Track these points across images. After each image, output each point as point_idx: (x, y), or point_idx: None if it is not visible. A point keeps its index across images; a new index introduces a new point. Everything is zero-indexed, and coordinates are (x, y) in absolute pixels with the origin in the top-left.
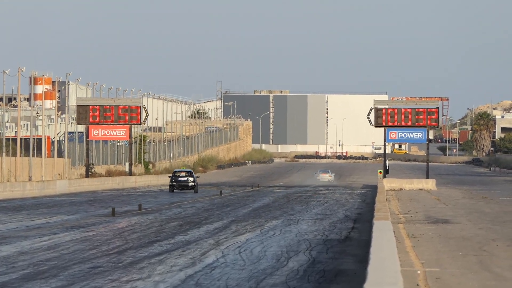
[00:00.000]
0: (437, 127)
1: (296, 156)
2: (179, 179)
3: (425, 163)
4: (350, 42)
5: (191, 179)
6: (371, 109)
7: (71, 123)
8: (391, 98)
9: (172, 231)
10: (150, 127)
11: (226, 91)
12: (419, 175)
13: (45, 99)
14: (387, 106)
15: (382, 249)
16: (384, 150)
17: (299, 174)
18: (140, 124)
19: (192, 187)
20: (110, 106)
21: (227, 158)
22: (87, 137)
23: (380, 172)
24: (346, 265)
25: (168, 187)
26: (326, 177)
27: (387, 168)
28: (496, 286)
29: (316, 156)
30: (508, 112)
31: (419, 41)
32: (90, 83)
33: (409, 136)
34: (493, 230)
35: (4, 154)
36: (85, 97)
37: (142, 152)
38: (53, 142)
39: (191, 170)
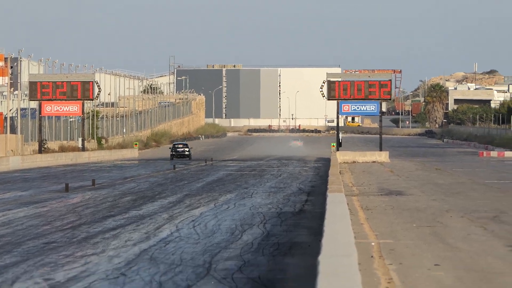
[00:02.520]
0: (390, 99)
1: (249, 130)
2: (178, 149)
3: (378, 136)
4: (302, 16)
5: (187, 149)
6: (324, 82)
7: (24, 99)
8: (344, 71)
9: (126, 206)
10: (103, 103)
11: (179, 66)
12: (372, 148)
13: None
14: (340, 79)
15: (336, 221)
16: (337, 123)
17: (253, 147)
18: (92, 100)
19: (188, 156)
20: (62, 82)
21: (180, 132)
22: (40, 113)
23: (333, 145)
24: (300, 237)
25: (170, 156)
26: (297, 144)
27: (340, 141)
28: (450, 257)
29: (270, 130)
30: (461, 83)
31: (371, 13)
32: (43, 59)
33: (362, 109)
34: (446, 201)
35: None
36: (37, 73)
37: (95, 128)
38: (5, 118)
39: (186, 143)
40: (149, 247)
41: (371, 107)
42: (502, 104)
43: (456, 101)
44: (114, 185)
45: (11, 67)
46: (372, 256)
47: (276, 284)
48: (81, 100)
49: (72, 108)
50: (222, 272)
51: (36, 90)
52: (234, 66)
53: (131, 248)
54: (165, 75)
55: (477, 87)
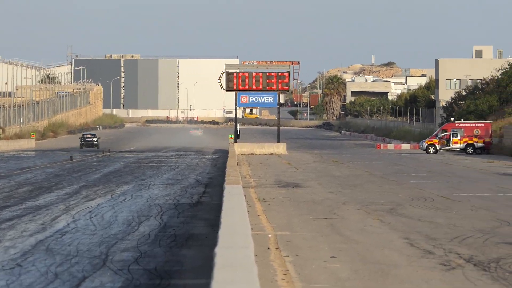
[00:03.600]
0: (288, 91)
1: (147, 121)
2: (87, 139)
3: (276, 127)
4: (201, 6)
5: (95, 139)
6: (222, 73)
7: None
8: (242, 63)
9: (22, 197)
10: (0, 92)
11: (77, 56)
12: (270, 140)
13: None
14: (238, 70)
15: (233, 213)
16: (235, 115)
17: (151, 138)
18: None
19: (96, 145)
20: None
21: (78, 123)
22: None
23: (231, 136)
24: (197, 229)
25: (79, 145)
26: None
27: (238, 132)
28: (346, 248)
29: (168, 121)
30: (359, 75)
31: (269, 4)
32: None
33: (260, 100)
34: (343, 193)
35: None
36: None
37: None
38: None
39: (95, 133)
40: (45, 238)
41: (269, 99)
42: (399, 96)
43: (354, 93)
44: (10, 176)
45: None
46: (268, 248)
47: (172, 275)
48: None
49: None
50: (119, 264)
51: None
52: (132, 56)
53: (27, 238)
54: (62, 65)
55: (374, 79)
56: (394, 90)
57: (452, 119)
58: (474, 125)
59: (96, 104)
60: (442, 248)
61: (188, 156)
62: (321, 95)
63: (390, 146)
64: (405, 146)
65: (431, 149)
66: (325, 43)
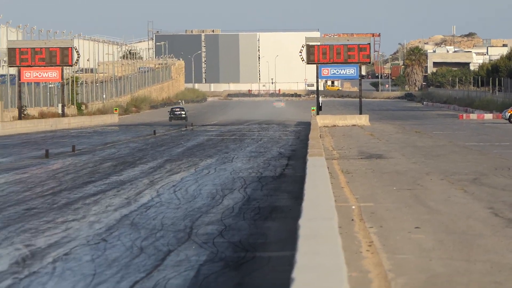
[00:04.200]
0: (369, 63)
1: (229, 95)
2: (175, 112)
3: (358, 99)
4: None
5: (183, 112)
6: (303, 47)
7: (3, 66)
8: (323, 35)
9: (106, 172)
10: (82, 69)
11: (158, 31)
12: (352, 111)
13: None
14: (319, 43)
15: (316, 185)
16: (317, 87)
17: (233, 112)
18: (71, 66)
19: (184, 118)
20: (41, 48)
21: (160, 98)
22: (19, 79)
23: (313, 109)
24: (281, 201)
25: (168, 118)
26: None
27: (320, 104)
28: (430, 219)
29: (249, 94)
30: (440, 46)
31: None
32: (21, 26)
33: (342, 73)
34: (426, 164)
35: None
36: (16, 40)
37: (75, 94)
38: None
39: (183, 107)
40: (130, 212)
41: (350, 71)
42: (481, 66)
43: (435, 64)
44: (94, 151)
45: None
46: (352, 220)
47: (257, 248)
48: (60, 66)
49: (51, 74)
50: (203, 237)
51: (15, 56)
52: (213, 31)
53: (112, 213)
54: (144, 41)
55: (456, 50)
56: (476, 60)
57: None
58: None
59: (178, 79)
60: None
61: (270, 128)
62: (402, 66)
63: (473, 116)
64: (488, 116)
65: None
66: (405, 15)
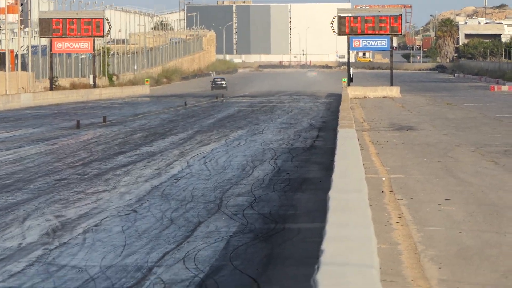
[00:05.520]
0: (401, 34)
1: (260, 66)
2: (217, 82)
3: (389, 71)
4: None
5: (224, 82)
6: (334, 18)
7: (34, 36)
8: (354, 6)
9: (137, 143)
10: (113, 40)
11: (189, 2)
12: (383, 83)
13: (7, 13)
14: (350, 14)
15: (346, 156)
16: (348, 59)
17: (264, 83)
18: (103, 37)
19: (225, 87)
20: (72, 19)
21: (191, 69)
22: (51, 50)
23: (344, 80)
24: (311, 173)
25: (210, 87)
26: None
27: (351, 76)
28: (461, 191)
29: (280, 65)
30: (471, 18)
31: None
32: None
33: (373, 44)
34: (457, 136)
35: None
36: (47, 11)
37: (106, 65)
38: (16, 56)
39: (224, 77)
40: (160, 183)
41: (381, 42)
42: None
43: (467, 35)
44: (125, 122)
45: (21, 4)
46: (382, 191)
47: (287, 219)
48: (91, 37)
49: (83, 45)
50: (233, 208)
51: (47, 27)
52: (244, 2)
53: (142, 184)
54: (175, 12)
55: (487, 21)
56: (507, 32)
57: None
58: None
59: (209, 50)
60: None
61: (301, 100)
62: (434, 38)
63: (504, 88)
64: None
65: None
66: None
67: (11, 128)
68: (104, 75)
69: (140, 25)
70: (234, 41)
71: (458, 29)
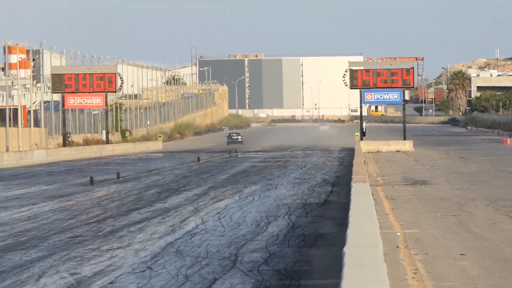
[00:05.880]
0: (413, 87)
1: (273, 121)
2: (233, 137)
3: (402, 124)
4: (323, 4)
5: (239, 137)
6: (346, 71)
7: (47, 92)
8: (366, 59)
9: (151, 199)
10: (126, 95)
11: (201, 56)
12: (396, 137)
13: (19, 68)
14: (362, 68)
15: (361, 212)
16: (361, 112)
17: (277, 138)
18: (115, 92)
19: (241, 142)
20: (85, 74)
21: (204, 124)
22: (63, 106)
23: (357, 134)
24: (325, 228)
25: (226, 142)
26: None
27: (364, 130)
28: (476, 246)
29: (293, 120)
30: (483, 70)
31: (393, 1)
32: (65, 51)
33: (385, 97)
34: (471, 190)
35: None
36: (60, 66)
37: (119, 120)
38: (29, 111)
39: (239, 132)
40: (175, 240)
41: (394, 96)
42: None
43: (479, 88)
44: (139, 178)
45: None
46: (397, 246)
47: (302, 275)
48: (104, 92)
49: (95, 101)
50: (248, 265)
51: (59, 82)
52: (256, 55)
53: (157, 241)
54: (187, 66)
55: (499, 73)
56: None
57: None
58: None
59: (221, 105)
60: None
61: (314, 154)
62: (446, 90)
63: None
64: None
65: None
66: (448, 38)
67: (25, 185)
68: (117, 130)
69: (153, 79)
70: (247, 95)
71: (470, 82)
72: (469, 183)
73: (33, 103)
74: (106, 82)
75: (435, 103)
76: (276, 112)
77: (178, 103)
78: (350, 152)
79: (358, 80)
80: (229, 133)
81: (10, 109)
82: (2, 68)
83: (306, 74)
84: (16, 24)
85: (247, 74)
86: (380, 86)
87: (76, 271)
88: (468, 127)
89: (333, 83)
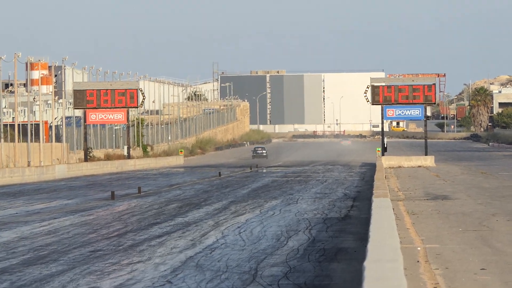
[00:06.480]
0: (435, 103)
1: (294, 136)
2: (258, 151)
3: (423, 140)
4: (345, 20)
5: (264, 151)
6: (367, 87)
7: (68, 107)
8: (387, 76)
9: (171, 213)
10: (148, 110)
11: (223, 72)
12: (417, 152)
13: (41, 84)
14: (383, 84)
15: (381, 226)
16: (382, 128)
17: (298, 153)
18: (137, 107)
19: (265, 156)
20: (106, 89)
21: (225, 139)
22: (85, 121)
23: (379, 150)
24: (346, 243)
25: (251, 156)
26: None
27: (385, 145)
28: (497, 261)
29: (314, 135)
30: (505, 86)
31: (414, 17)
32: (87, 67)
33: (407, 113)
34: (492, 205)
35: (2, 140)
36: (81, 82)
37: (140, 135)
38: (50, 127)
39: (264, 146)
40: (195, 254)
41: (415, 112)
42: None
43: (501, 104)
44: (160, 193)
45: (55, 76)
46: (418, 261)
47: None
48: (125, 108)
49: (117, 116)
50: (268, 279)
51: (81, 98)
52: (278, 72)
53: (177, 255)
54: (209, 82)
55: None
56: None
57: None
58: None
59: (242, 120)
60: None
61: (335, 170)
62: (468, 107)
63: None
64: None
65: None
66: (470, 55)
67: (46, 200)
68: (138, 145)
69: (174, 95)
70: (268, 111)
71: (492, 98)
72: (490, 198)
73: (55, 119)
74: (128, 98)
75: (456, 119)
76: (298, 128)
77: (199, 119)
78: (371, 167)
79: (380, 96)
80: (255, 148)
81: (32, 124)
82: (24, 84)
83: (328, 90)
84: (38, 40)
85: (268, 90)
86: (401, 102)
87: (96, 285)
88: (490, 143)
89: (355, 99)
